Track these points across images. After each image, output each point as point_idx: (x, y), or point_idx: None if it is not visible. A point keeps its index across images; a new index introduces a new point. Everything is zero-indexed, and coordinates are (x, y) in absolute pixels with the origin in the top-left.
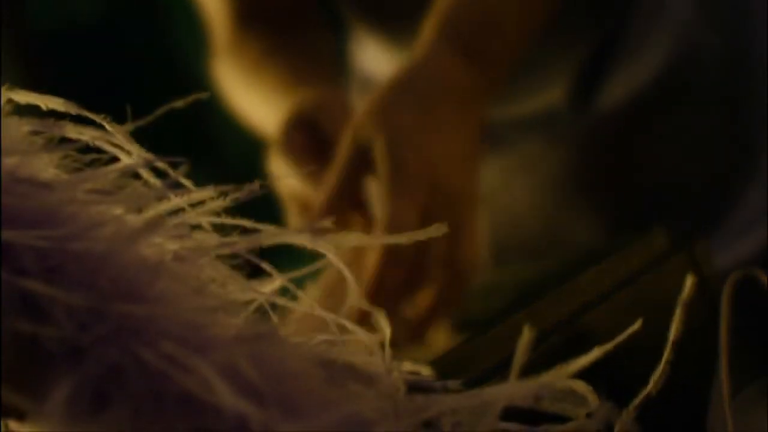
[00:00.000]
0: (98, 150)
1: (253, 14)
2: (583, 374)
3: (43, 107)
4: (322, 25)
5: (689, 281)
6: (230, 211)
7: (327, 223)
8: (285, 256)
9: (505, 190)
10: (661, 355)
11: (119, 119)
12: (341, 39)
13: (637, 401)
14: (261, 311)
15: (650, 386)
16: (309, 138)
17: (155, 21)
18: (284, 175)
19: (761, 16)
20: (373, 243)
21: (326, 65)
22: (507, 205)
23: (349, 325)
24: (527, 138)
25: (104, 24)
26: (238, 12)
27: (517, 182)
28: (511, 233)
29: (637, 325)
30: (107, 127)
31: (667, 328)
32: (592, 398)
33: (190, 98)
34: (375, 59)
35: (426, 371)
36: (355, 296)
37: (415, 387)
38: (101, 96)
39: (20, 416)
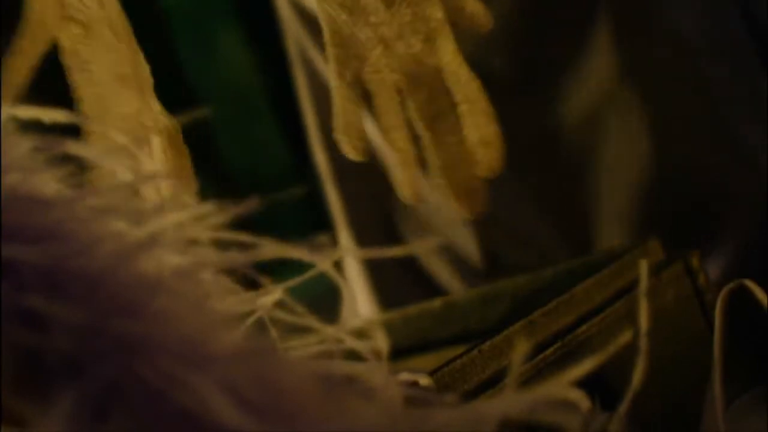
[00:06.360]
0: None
1: None
2: (578, 387)
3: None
4: None
5: (642, 269)
6: (230, 225)
7: (324, 239)
8: (282, 269)
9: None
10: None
11: None
12: None
13: (625, 402)
14: (259, 325)
15: (634, 383)
16: None
17: (155, 31)
18: None
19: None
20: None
21: None
22: (514, 226)
23: (348, 336)
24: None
25: None
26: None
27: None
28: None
29: (627, 336)
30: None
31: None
32: (586, 406)
33: (193, 115)
34: None
35: (425, 381)
36: (351, 309)
37: (414, 400)
38: None
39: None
